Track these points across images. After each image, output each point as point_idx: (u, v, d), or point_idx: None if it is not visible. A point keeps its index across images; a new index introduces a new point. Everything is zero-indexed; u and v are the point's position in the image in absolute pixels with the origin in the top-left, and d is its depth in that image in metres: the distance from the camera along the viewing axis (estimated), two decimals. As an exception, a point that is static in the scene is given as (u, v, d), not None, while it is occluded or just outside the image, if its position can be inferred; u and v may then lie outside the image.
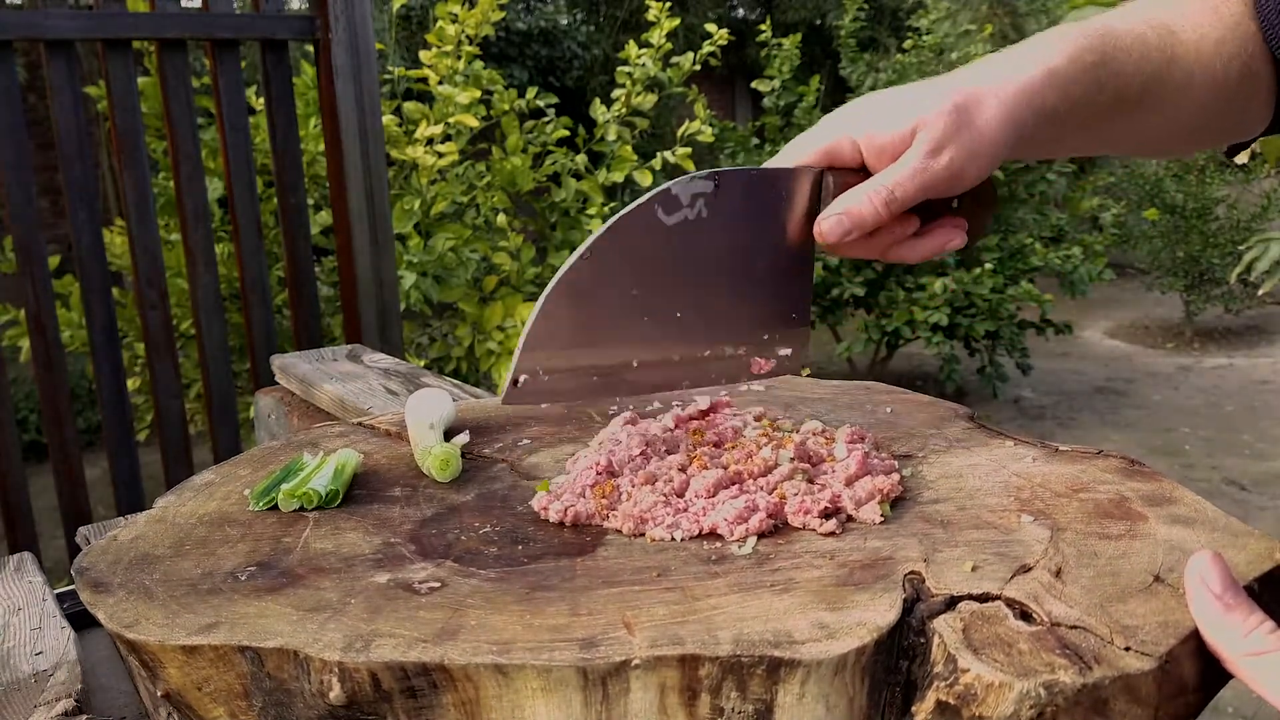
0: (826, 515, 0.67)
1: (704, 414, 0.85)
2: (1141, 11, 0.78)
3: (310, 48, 2.64)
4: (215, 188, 3.24)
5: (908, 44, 6.59)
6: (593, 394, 0.70)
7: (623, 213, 0.68)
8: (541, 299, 0.67)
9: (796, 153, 0.75)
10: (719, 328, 0.74)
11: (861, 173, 0.74)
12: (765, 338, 0.76)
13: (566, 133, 3.82)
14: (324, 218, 3.42)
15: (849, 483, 0.70)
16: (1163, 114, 0.78)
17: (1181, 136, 0.83)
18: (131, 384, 3.24)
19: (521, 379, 0.67)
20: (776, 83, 6.15)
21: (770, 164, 0.75)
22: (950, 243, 0.76)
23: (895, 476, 0.71)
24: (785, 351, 0.76)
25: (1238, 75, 0.78)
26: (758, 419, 0.84)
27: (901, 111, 0.71)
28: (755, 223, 0.72)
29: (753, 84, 6.42)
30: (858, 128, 0.73)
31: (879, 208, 0.71)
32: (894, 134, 0.71)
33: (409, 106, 3.59)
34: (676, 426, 0.82)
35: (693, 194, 0.69)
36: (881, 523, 0.67)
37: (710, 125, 4.06)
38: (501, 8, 3.57)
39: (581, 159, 3.85)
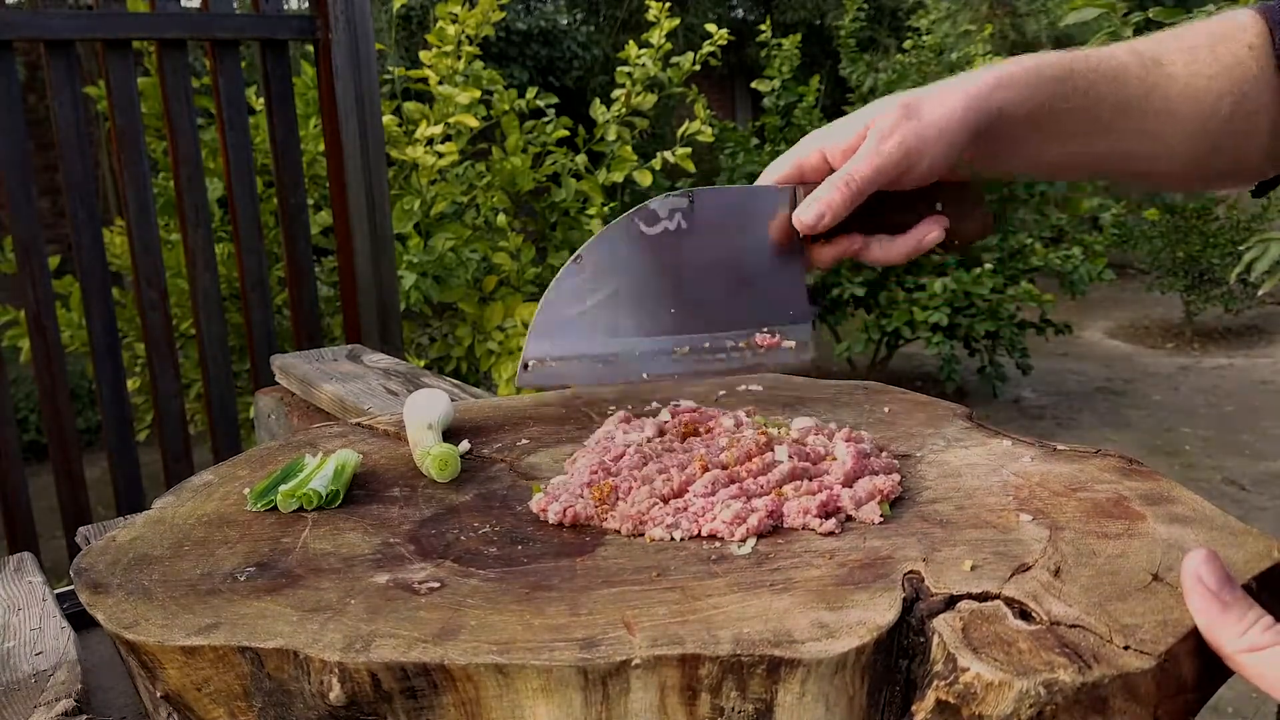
0: (826, 515, 0.67)
1: (695, 413, 0.85)
2: (1133, 44, 0.83)
3: (310, 48, 2.65)
4: (215, 188, 3.24)
5: (908, 44, 6.59)
6: (597, 378, 0.76)
7: (607, 227, 0.75)
8: (544, 295, 0.75)
9: (773, 172, 0.83)
10: (716, 320, 0.80)
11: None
12: (765, 329, 0.81)
13: (566, 133, 3.82)
14: (324, 218, 3.42)
15: (848, 482, 0.70)
16: (1146, 140, 0.82)
17: (1176, 168, 0.85)
18: (131, 384, 3.24)
19: (531, 363, 0.74)
20: (776, 83, 6.15)
21: (760, 179, 0.83)
22: (928, 236, 0.82)
23: (895, 477, 0.71)
24: (789, 344, 0.81)
25: (1229, 112, 0.80)
26: (749, 413, 0.84)
27: (857, 120, 0.79)
28: (735, 232, 0.79)
29: (753, 84, 6.42)
30: (823, 141, 0.81)
31: (846, 193, 0.78)
32: (851, 137, 0.79)
33: (409, 106, 3.59)
34: (673, 416, 0.83)
35: (670, 209, 0.77)
36: (881, 522, 0.67)
37: (710, 125, 4.06)
38: (501, 8, 3.57)
39: (581, 159, 3.85)
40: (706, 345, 0.80)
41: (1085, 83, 0.79)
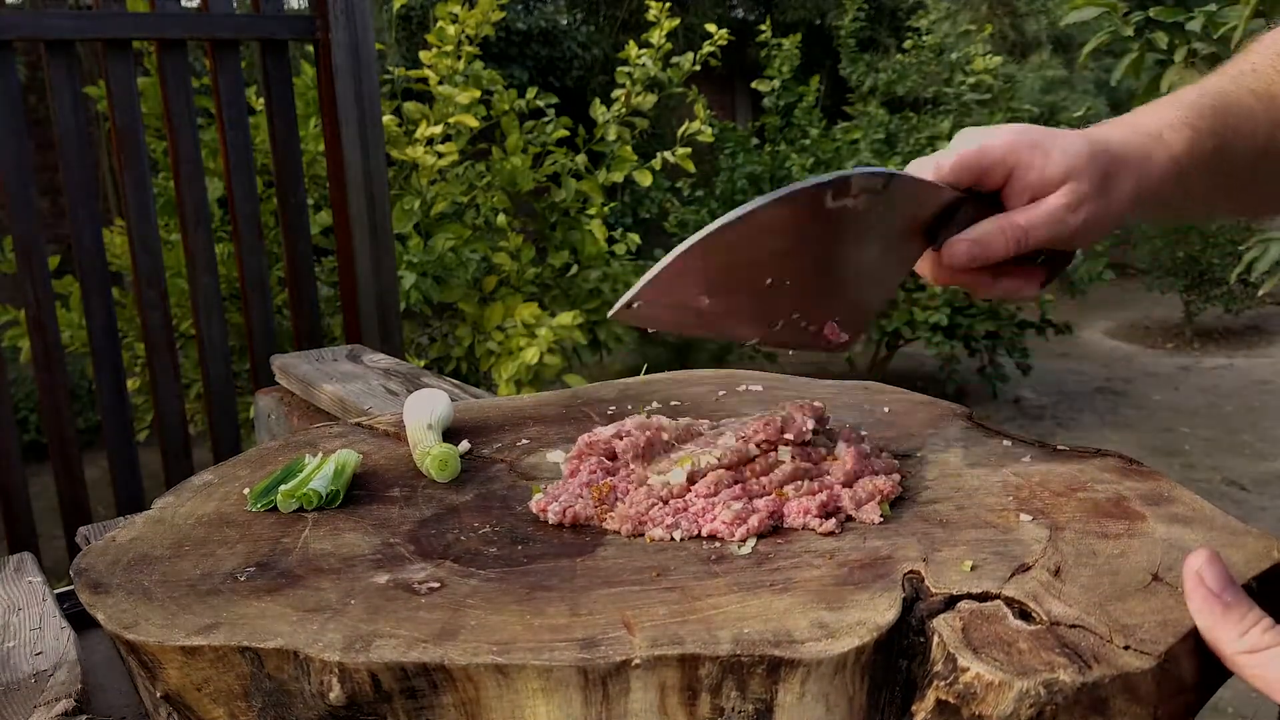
0: (826, 515, 0.67)
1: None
2: (1250, 80, 0.80)
3: (310, 48, 2.64)
4: (215, 188, 3.24)
5: (908, 44, 6.60)
6: (686, 329, 0.72)
7: (795, 187, 0.68)
8: (683, 245, 0.68)
9: (955, 156, 0.74)
10: (814, 302, 0.75)
11: (991, 203, 0.75)
12: (836, 319, 0.76)
13: (566, 133, 3.81)
14: (324, 218, 3.42)
15: (848, 483, 0.70)
16: (1271, 185, 0.81)
17: None
18: (131, 384, 3.24)
19: (636, 304, 0.68)
20: (776, 83, 6.15)
21: (928, 161, 0.75)
22: (1022, 291, 0.77)
23: (895, 477, 0.71)
24: (843, 338, 0.77)
25: None
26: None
27: (1056, 158, 0.72)
28: (892, 224, 0.74)
29: (753, 84, 6.42)
30: (1016, 156, 0.73)
31: (1009, 245, 0.73)
32: (1044, 179, 0.72)
33: (409, 106, 3.59)
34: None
35: (863, 187, 0.70)
36: (881, 523, 0.67)
37: (710, 125, 4.06)
38: (501, 8, 3.56)
39: (581, 159, 3.85)
40: (795, 319, 0.74)
41: (1231, 152, 0.76)
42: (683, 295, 0.68)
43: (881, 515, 0.67)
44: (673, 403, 0.95)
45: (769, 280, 0.71)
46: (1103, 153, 0.73)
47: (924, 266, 0.78)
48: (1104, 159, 0.72)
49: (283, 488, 0.74)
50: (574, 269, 3.82)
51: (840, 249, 0.72)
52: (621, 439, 0.77)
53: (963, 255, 0.73)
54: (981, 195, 0.75)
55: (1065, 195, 0.72)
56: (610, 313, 0.70)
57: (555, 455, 0.83)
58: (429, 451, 0.78)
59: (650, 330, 0.71)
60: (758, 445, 0.73)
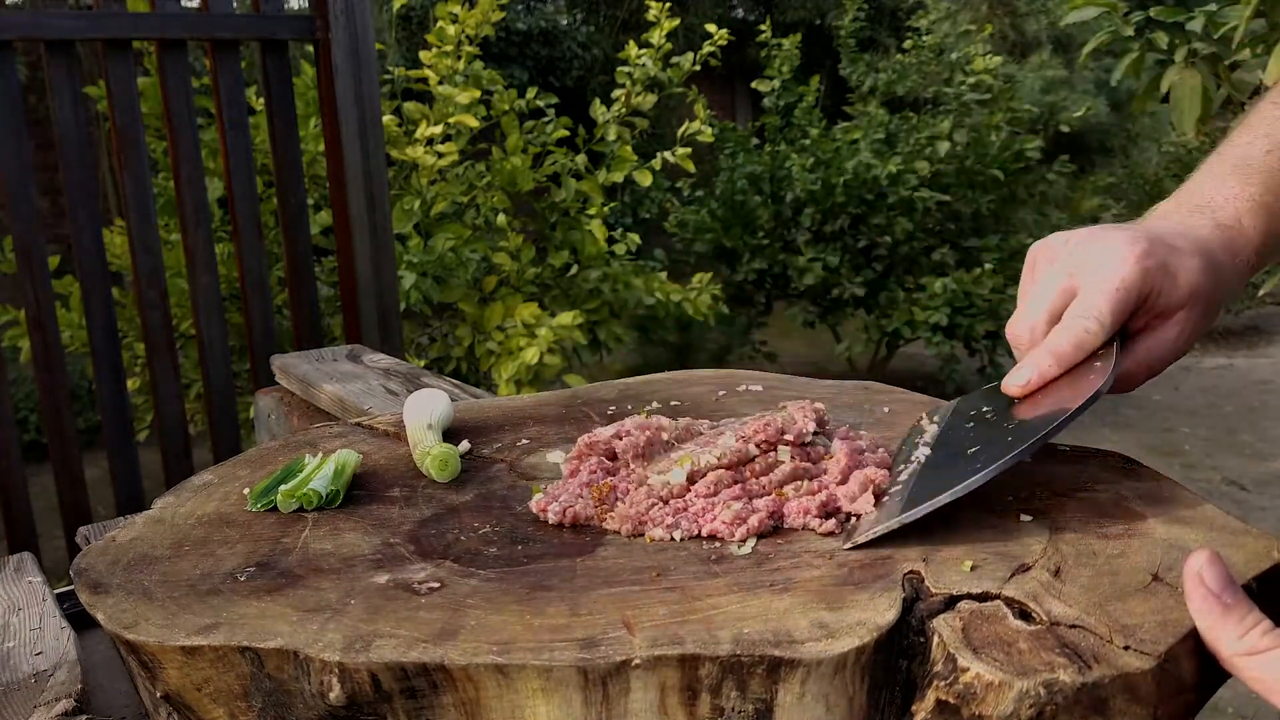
0: (826, 515, 0.67)
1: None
2: None
3: (310, 48, 2.64)
4: (215, 188, 3.24)
5: (908, 44, 6.59)
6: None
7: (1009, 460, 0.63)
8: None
9: (1114, 302, 0.70)
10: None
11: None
12: None
13: (566, 133, 3.81)
14: (324, 218, 3.42)
15: (843, 479, 0.70)
16: None
17: None
18: (131, 384, 3.24)
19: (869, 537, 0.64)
20: (776, 83, 6.15)
21: (1094, 311, 0.70)
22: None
23: (885, 471, 0.71)
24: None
25: None
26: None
27: (1181, 283, 0.70)
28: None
29: (753, 84, 6.42)
30: (1149, 288, 0.70)
31: (1052, 365, 0.70)
32: (1169, 304, 0.71)
33: (409, 106, 3.59)
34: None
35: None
36: (875, 513, 0.67)
37: (710, 125, 4.06)
38: (501, 8, 3.56)
39: (581, 159, 3.85)
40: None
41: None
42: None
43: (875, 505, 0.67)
44: (673, 403, 0.95)
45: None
46: (1211, 269, 0.71)
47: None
48: (1212, 276, 0.71)
49: (283, 488, 0.74)
50: (574, 269, 3.82)
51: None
52: (621, 439, 0.77)
53: (1017, 387, 0.71)
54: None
55: (1181, 324, 0.70)
56: (845, 548, 0.63)
57: (555, 456, 0.83)
58: (429, 451, 0.78)
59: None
60: (757, 445, 0.73)
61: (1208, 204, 0.76)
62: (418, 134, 3.50)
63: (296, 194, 2.55)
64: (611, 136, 3.84)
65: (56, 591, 0.89)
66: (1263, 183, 0.75)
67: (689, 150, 3.89)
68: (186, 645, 0.56)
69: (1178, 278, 0.70)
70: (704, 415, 0.87)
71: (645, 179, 3.87)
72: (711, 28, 4.01)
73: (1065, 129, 6.70)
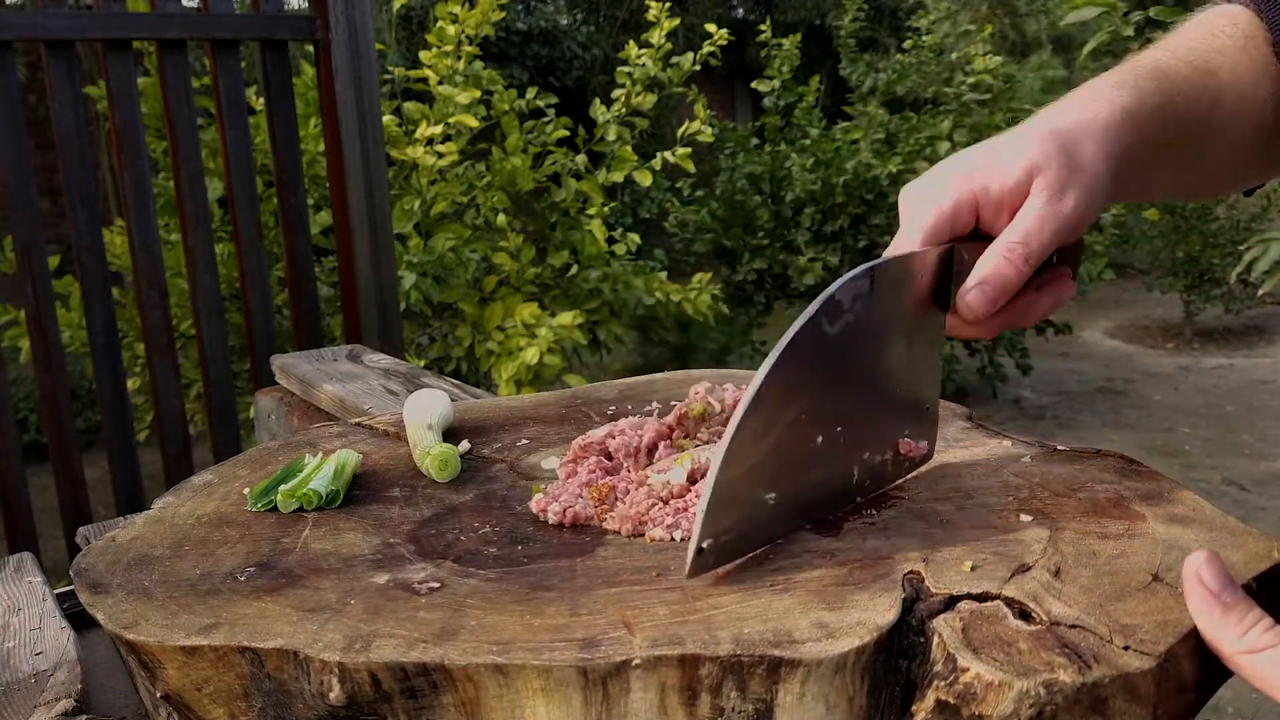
0: (826, 515, 0.67)
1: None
2: (1185, 54, 0.76)
3: (310, 48, 2.65)
4: (215, 188, 3.24)
5: (908, 44, 6.60)
6: (770, 535, 0.64)
7: (792, 331, 0.60)
8: (722, 449, 0.58)
9: (924, 219, 0.69)
10: (865, 439, 0.68)
11: (980, 239, 0.69)
12: (906, 435, 0.71)
13: (566, 133, 3.81)
14: (324, 218, 3.42)
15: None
16: (1212, 158, 0.77)
17: (1223, 180, 0.82)
18: (131, 384, 3.24)
19: (706, 545, 0.59)
20: (776, 83, 6.15)
21: (901, 239, 0.69)
22: (1062, 294, 0.71)
23: None
24: (922, 444, 0.72)
25: (1272, 116, 0.77)
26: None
27: (1009, 158, 0.67)
28: (901, 312, 0.67)
29: (753, 84, 6.42)
30: (970, 182, 0.68)
31: (1019, 265, 0.66)
32: (1008, 185, 0.67)
33: (409, 106, 3.59)
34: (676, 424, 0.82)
35: (852, 295, 0.63)
36: (871, 514, 0.67)
37: (710, 125, 4.06)
38: (501, 8, 3.56)
39: (581, 159, 3.85)
40: (867, 458, 0.68)
41: (1175, 109, 0.72)
42: (744, 511, 0.61)
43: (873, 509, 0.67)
44: (673, 403, 0.95)
45: (820, 438, 0.64)
46: (1048, 134, 0.67)
47: (958, 330, 0.71)
48: (1056, 139, 0.67)
49: (283, 488, 0.74)
50: (574, 269, 3.82)
51: (867, 367, 0.66)
52: (614, 439, 0.77)
53: (980, 301, 0.67)
54: (968, 239, 0.69)
55: (1042, 189, 0.66)
56: (685, 577, 0.59)
57: (550, 461, 0.82)
58: (429, 451, 0.78)
59: (738, 560, 0.60)
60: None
61: (1070, 94, 0.74)
62: (418, 134, 3.50)
63: (296, 194, 2.55)
64: (611, 136, 3.84)
65: (56, 591, 0.89)
66: (1129, 71, 0.74)
67: (689, 150, 3.89)
68: (186, 645, 0.56)
69: (1001, 161, 0.67)
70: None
71: (645, 179, 3.87)
72: (711, 28, 4.01)
73: (1065, 129, 6.68)
